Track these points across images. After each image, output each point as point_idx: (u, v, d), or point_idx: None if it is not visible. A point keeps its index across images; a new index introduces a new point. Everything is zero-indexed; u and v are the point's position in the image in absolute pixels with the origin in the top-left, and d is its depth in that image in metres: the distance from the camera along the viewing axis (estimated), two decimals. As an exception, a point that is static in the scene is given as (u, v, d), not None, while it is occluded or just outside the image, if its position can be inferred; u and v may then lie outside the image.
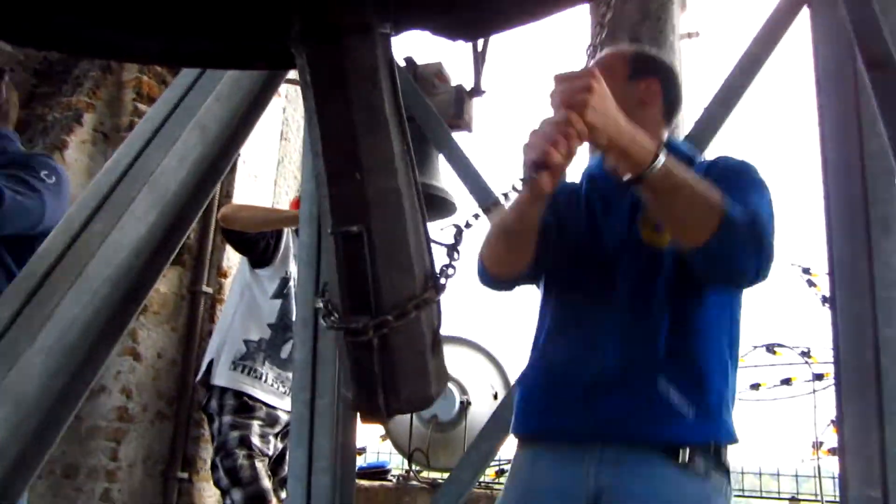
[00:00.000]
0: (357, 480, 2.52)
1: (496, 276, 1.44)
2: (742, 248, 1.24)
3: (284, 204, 3.46)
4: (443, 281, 0.72)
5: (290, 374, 2.94)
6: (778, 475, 3.43)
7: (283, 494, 2.88)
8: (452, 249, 0.74)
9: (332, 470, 2.25)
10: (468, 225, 0.79)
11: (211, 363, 2.81)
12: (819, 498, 2.08)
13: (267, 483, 2.71)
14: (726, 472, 1.36)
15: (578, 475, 1.36)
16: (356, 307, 0.67)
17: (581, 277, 1.43)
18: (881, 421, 1.78)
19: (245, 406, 2.81)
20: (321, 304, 0.71)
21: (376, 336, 0.66)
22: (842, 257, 1.47)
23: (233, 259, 3.14)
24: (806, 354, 3.18)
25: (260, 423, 2.83)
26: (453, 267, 0.73)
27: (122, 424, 2.74)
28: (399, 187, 0.67)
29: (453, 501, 2.35)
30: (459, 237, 0.75)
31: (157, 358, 2.92)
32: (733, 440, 1.37)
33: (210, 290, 3.14)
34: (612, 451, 1.35)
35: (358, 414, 1.97)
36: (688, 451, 1.32)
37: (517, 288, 1.52)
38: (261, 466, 2.74)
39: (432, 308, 0.70)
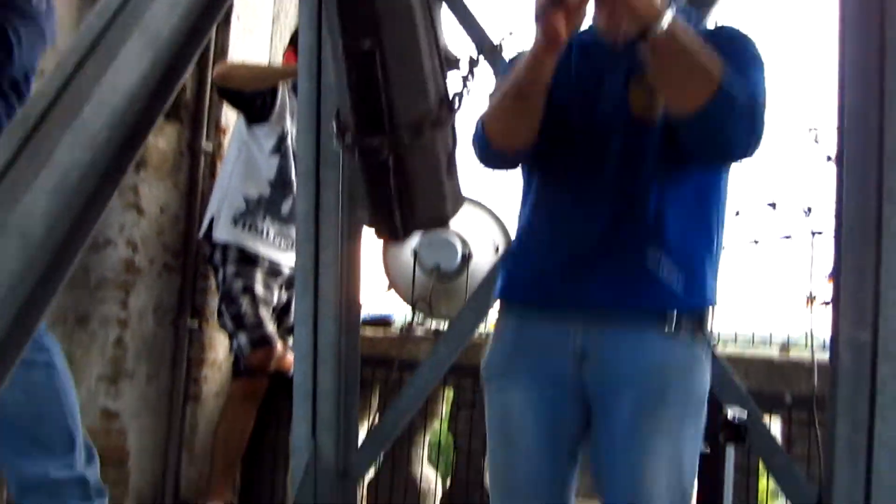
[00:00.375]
0: (361, 329, 2.62)
1: (501, 148, 1.41)
2: (737, 119, 1.23)
3: (281, 61, 3.35)
4: (457, 103, 0.70)
5: (291, 230, 2.98)
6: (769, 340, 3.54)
7: (290, 341, 2.99)
8: (466, 77, 0.72)
9: (337, 317, 2.33)
10: (476, 60, 0.76)
11: (212, 220, 2.85)
12: (810, 347, 2.17)
13: (271, 328, 2.81)
14: (708, 338, 1.41)
15: (564, 337, 1.40)
16: (370, 126, 0.66)
17: (570, 150, 1.41)
18: (878, 266, 1.81)
19: (247, 258, 2.88)
20: (334, 127, 0.69)
21: (391, 154, 0.65)
22: (853, 106, 1.44)
23: (230, 116, 3.08)
24: (807, 212, 3.21)
25: (262, 273, 2.90)
26: (467, 89, 0.72)
27: (130, 276, 2.80)
28: (412, 4, 0.64)
29: (454, 348, 2.46)
30: (475, 64, 0.73)
31: (161, 213, 2.94)
32: (715, 305, 1.42)
33: (209, 147, 3.11)
34: (599, 316, 1.38)
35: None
36: (674, 317, 1.36)
37: (517, 165, 1.51)
38: (265, 313, 2.83)
39: (447, 129, 0.69)
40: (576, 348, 1.39)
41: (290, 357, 2.95)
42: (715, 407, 2.01)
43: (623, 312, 1.37)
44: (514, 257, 1.52)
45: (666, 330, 1.36)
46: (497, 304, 1.59)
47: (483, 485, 2.84)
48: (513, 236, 1.58)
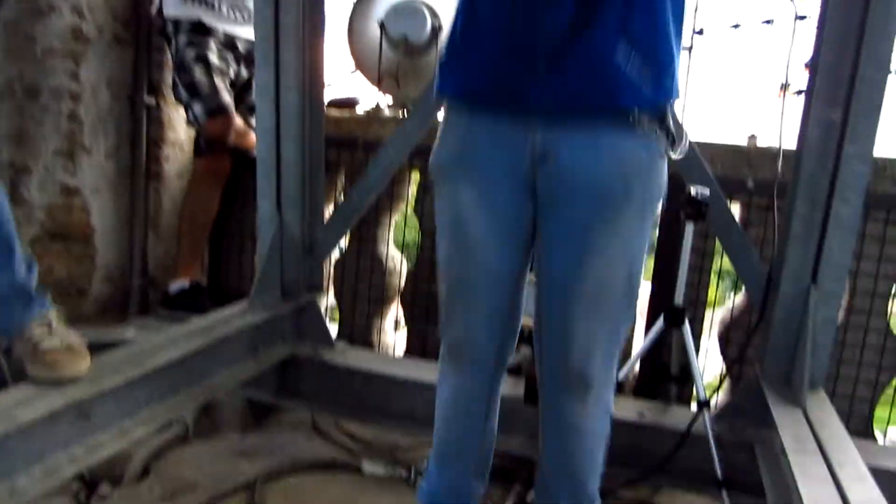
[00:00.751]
0: (326, 111, 2.55)
1: None
2: None
3: None
4: None
5: (247, 2, 2.82)
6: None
7: (253, 120, 2.92)
8: None
9: (300, 88, 2.26)
10: None
11: None
12: (779, 136, 2.16)
13: (227, 98, 2.74)
14: (668, 133, 1.36)
15: (523, 134, 1.35)
16: None
17: None
18: (858, 49, 1.77)
19: (201, 28, 2.75)
20: None
21: None
22: None
23: None
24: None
25: (217, 43, 2.78)
26: None
27: (79, 45, 2.64)
28: None
29: (421, 124, 2.42)
30: None
31: (105, -23, 2.72)
32: (675, 99, 1.36)
33: None
34: (561, 116, 1.32)
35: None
36: (636, 113, 1.31)
37: None
38: (219, 82, 2.74)
39: None
40: (534, 149, 1.35)
41: (253, 135, 2.90)
42: (678, 186, 2.05)
43: (588, 112, 1.32)
44: (464, 49, 1.38)
45: (630, 128, 1.31)
46: (443, 102, 1.49)
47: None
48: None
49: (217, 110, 2.71)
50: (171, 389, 1.75)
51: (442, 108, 1.50)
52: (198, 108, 2.72)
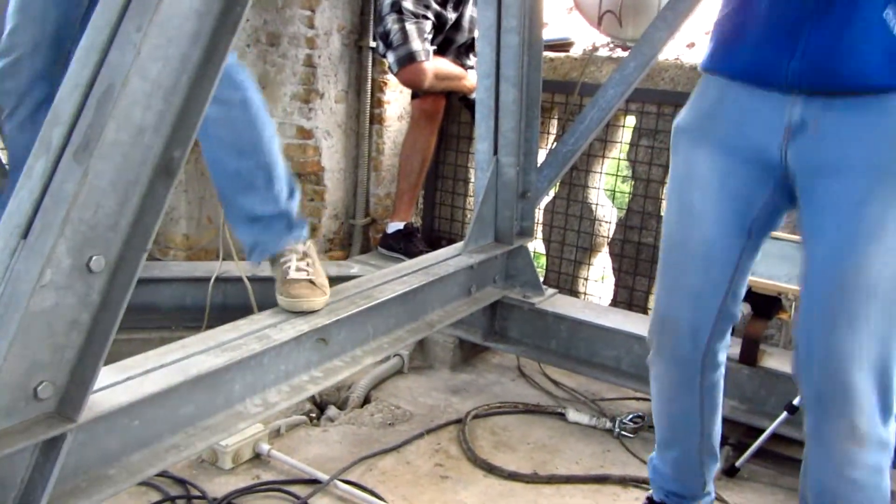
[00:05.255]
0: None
1: None
2: None
3: None
4: None
5: None
6: None
7: (470, 61, 2.95)
8: None
9: (519, 30, 2.24)
10: None
11: None
12: None
13: (418, 45, 2.75)
14: None
15: (780, 103, 1.25)
16: None
17: None
18: None
19: None
20: None
21: None
22: None
23: None
24: None
25: None
26: None
27: (314, -8, 2.80)
28: None
29: (642, 66, 2.31)
30: None
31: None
32: None
33: None
34: (824, 93, 1.21)
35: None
36: None
37: None
38: (412, 28, 2.75)
39: None
40: (791, 120, 1.24)
41: (463, 77, 2.93)
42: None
43: (857, 91, 1.18)
44: (725, 23, 1.33)
45: None
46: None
47: (659, 215, 2.82)
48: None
49: (406, 59, 2.75)
50: (396, 323, 1.85)
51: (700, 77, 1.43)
52: (391, 57, 2.78)
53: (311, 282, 1.67)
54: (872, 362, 1.22)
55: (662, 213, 2.77)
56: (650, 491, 1.69)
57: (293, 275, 1.66)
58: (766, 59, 1.25)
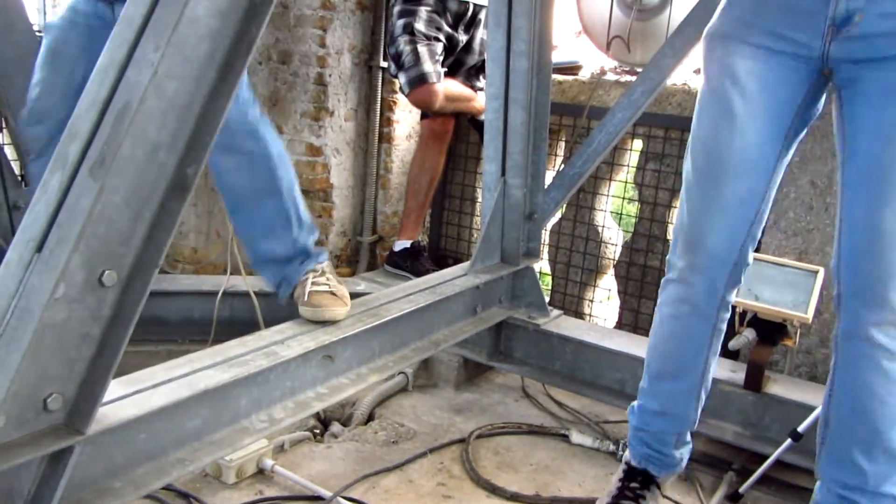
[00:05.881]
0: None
1: None
2: None
3: None
4: None
5: None
6: None
7: (480, 82, 2.97)
8: None
9: (529, 53, 2.26)
10: None
11: None
12: None
13: (429, 67, 2.77)
14: None
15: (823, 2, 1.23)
16: None
17: None
18: None
19: None
20: None
21: None
22: None
23: None
24: None
25: (427, 9, 2.80)
26: None
27: (326, 12, 2.83)
28: None
29: (650, 91, 2.33)
30: None
31: (351, -52, 2.89)
32: None
33: None
34: None
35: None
36: None
37: None
38: (424, 50, 2.77)
39: None
40: (836, 13, 1.23)
41: (472, 98, 2.95)
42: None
43: None
44: None
45: None
46: None
47: (665, 238, 2.82)
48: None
49: (417, 80, 2.77)
50: (402, 341, 1.86)
51: None
52: (402, 78, 2.80)
53: (332, 293, 1.73)
54: None
55: (669, 235, 2.79)
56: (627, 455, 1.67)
57: (314, 287, 1.73)
58: None
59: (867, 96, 1.25)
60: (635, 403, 1.65)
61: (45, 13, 3.18)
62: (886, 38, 1.21)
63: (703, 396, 1.60)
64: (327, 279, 1.78)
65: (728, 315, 1.53)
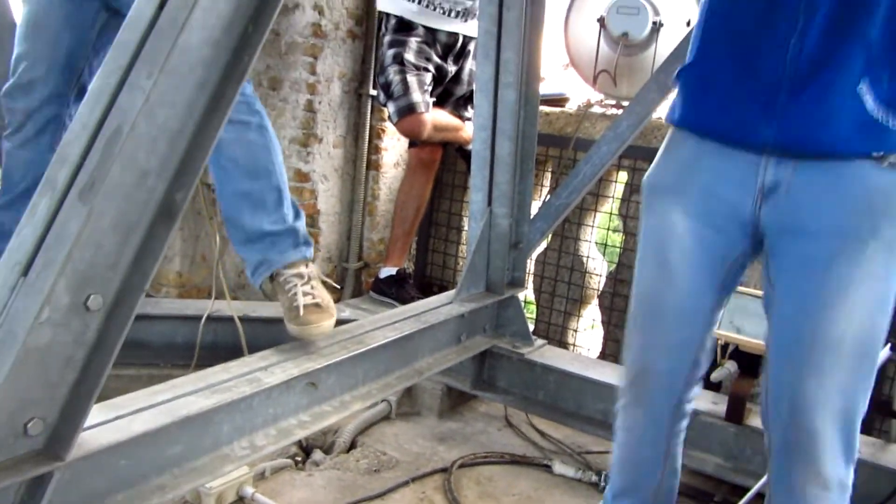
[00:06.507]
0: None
1: None
2: None
3: None
4: None
5: None
6: None
7: (465, 113, 3.00)
8: None
9: (517, 85, 2.29)
10: None
11: None
12: None
13: (418, 97, 2.79)
14: None
15: (752, 165, 1.28)
16: None
17: None
18: None
19: (403, 25, 2.82)
20: None
21: None
22: None
23: None
24: None
25: (417, 39, 2.84)
26: None
27: (317, 40, 2.86)
28: None
29: (636, 124, 2.37)
30: None
31: (344, -25, 2.93)
32: None
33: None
34: (797, 154, 1.24)
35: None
36: (882, 154, 1.21)
37: None
38: (413, 80, 2.80)
39: None
40: (763, 181, 1.27)
41: (460, 128, 2.98)
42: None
43: (827, 154, 1.23)
44: (695, 79, 1.35)
45: (877, 162, 1.21)
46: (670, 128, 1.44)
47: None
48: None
49: (406, 110, 2.80)
50: (386, 369, 1.86)
51: (669, 130, 1.45)
52: (391, 107, 2.83)
53: (317, 305, 1.71)
54: (838, 411, 1.28)
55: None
56: None
57: (300, 300, 1.70)
58: (740, 121, 1.28)
59: (790, 266, 1.29)
60: None
61: None
62: (811, 211, 1.25)
63: None
64: (312, 287, 1.74)
65: (681, 439, 1.56)
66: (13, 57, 1.85)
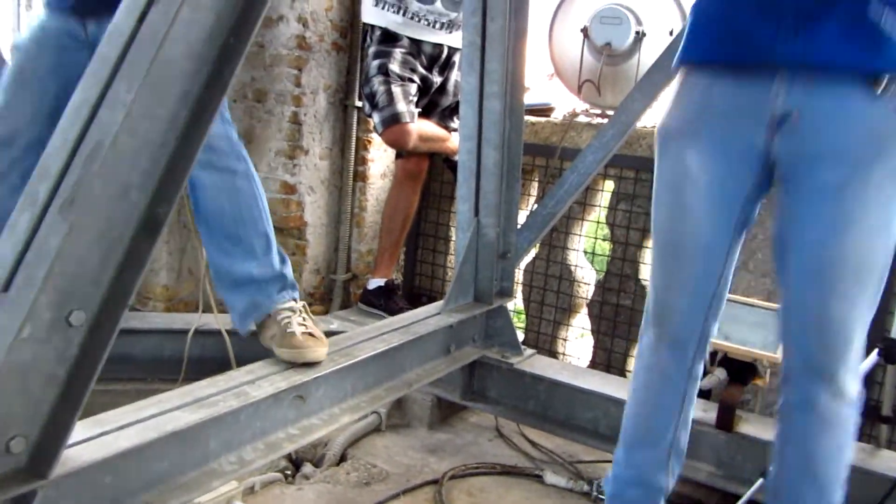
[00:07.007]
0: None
1: None
2: None
3: None
4: None
5: (432, 7, 2.85)
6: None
7: (451, 124, 3.01)
8: None
9: (502, 95, 2.30)
10: None
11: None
12: None
13: (403, 107, 2.80)
14: None
15: (765, 95, 1.33)
16: None
17: None
18: None
19: (389, 37, 2.83)
20: None
21: None
22: None
23: None
24: None
25: (402, 50, 2.84)
26: None
27: (302, 52, 2.86)
28: None
29: (621, 133, 2.38)
30: None
31: (326, -15, 2.94)
32: None
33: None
34: (807, 74, 1.29)
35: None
36: (886, 79, 1.26)
37: None
38: (398, 91, 2.80)
39: None
40: (775, 112, 1.32)
41: (446, 139, 2.99)
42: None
43: (837, 73, 1.28)
44: (704, 12, 1.41)
45: (880, 93, 1.26)
46: (680, 70, 1.49)
47: (637, 278, 2.85)
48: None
49: (391, 120, 2.80)
50: (375, 381, 1.85)
51: (679, 76, 1.49)
52: (376, 117, 2.83)
53: (310, 334, 1.71)
54: (857, 329, 1.38)
55: (641, 274, 2.82)
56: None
57: (294, 328, 1.70)
58: (754, 43, 1.32)
59: (807, 191, 1.35)
60: (610, 473, 1.68)
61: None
62: (823, 135, 1.30)
63: (677, 467, 1.65)
64: (304, 319, 1.76)
65: (697, 386, 1.61)
66: None
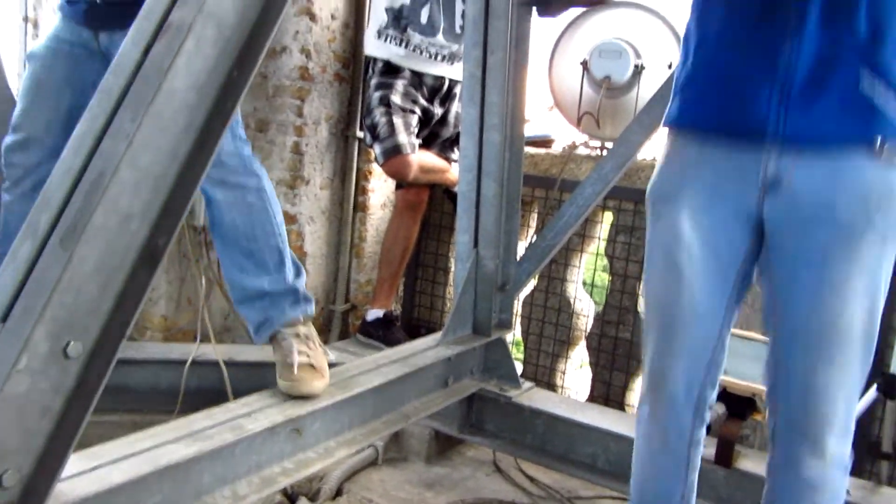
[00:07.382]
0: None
1: None
2: None
3: None
4: None
5: (433, 40, 2.88)
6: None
7: (452, 155, 3.02)
8: None
9: (502, 127, 2.31)
10: None
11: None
12: None
13: (404, 138, 2.82)
14: None
15: (756, 160, 1.32)
16: None
17: None
18: None
19: (391, 69, 2.86)
20: None
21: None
22: None
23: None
24: None
25: (404, 82, 2.87)
26: None
27: (305, 83, 2.88)
28: None
29: (619, 165, 2.39)
30: None
31: (332, 19, 2.97)
32: None
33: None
34: (797, 145, 1.28)
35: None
36: (879, 141, 1.25)
37: None
38: (399, 122, 2.82)
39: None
40: (766, 177, 1.32)
41: (447, 170, 3.00)
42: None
43: (828, 142, 1.28)
44: (695, 78, 1.40)
45: (872, 155, 1.26)
46: (667, 130, 1.48)
47: (636, 310, 2.85)
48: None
49: (392, 151, 2.81)
50: (372, 414, 1.83)
51: (667, 136, 1.48)
52: (377, 148, 2.85)
53: (311, 366, 1.71)
54: (845, 394, 1.36)
55: (640, 306, 2.81)
56: None
57: (294, 358, 1.70)
58: (744, 113, 1.31)
59: (794, 255, 1.34)
60: None
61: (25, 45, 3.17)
62: (811, 204, 1.29)
63: None
64: (308, 347, 1.75)
65: (700, 451, 1.57)
66: (15, 113, 1.87)
